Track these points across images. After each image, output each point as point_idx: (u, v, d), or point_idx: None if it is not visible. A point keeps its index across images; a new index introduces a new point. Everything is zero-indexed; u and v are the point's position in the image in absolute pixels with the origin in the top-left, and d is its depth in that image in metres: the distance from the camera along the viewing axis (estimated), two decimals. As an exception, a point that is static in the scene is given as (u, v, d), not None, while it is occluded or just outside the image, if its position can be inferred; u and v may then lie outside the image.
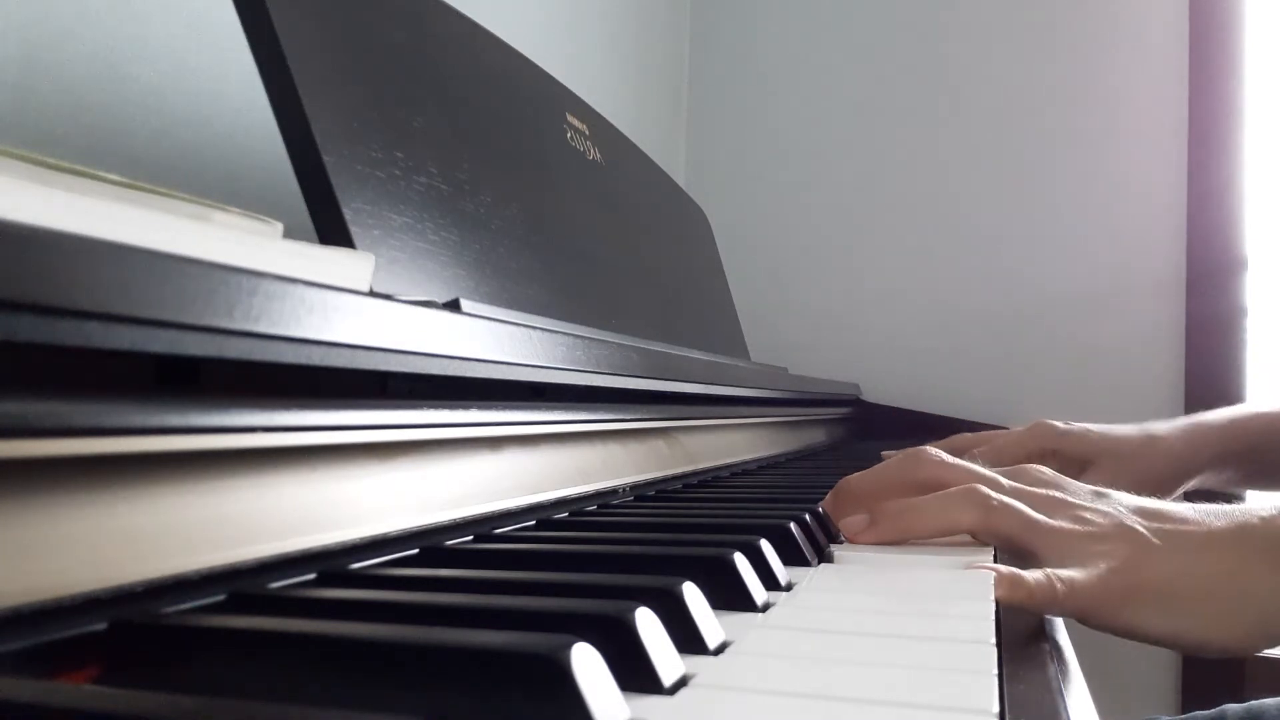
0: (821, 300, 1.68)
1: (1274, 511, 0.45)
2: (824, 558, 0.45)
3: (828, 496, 0.54)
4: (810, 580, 0.39)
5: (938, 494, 0.48)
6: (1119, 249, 1.51)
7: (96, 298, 0.21)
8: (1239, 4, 1.46)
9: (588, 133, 0.83)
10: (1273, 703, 0.70)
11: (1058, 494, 0.48)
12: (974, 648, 0.28)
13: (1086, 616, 0.43)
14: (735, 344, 1.19)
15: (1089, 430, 0.77)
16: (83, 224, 0.21)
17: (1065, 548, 0.45)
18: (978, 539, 0.48)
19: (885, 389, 1.55)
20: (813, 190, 1.71)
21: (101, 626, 0.23)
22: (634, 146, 0.98)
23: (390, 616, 0.26)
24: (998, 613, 0.34)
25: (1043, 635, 0.37)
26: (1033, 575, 0.42)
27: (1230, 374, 1.43)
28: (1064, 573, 0.42)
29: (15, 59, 0.56)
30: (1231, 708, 0.71)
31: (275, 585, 0.30)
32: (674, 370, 0.63)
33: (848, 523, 0.50)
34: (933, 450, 0.53)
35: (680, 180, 1.64)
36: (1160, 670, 1.44)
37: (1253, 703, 0.70)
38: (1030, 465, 0.53)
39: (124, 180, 0.28)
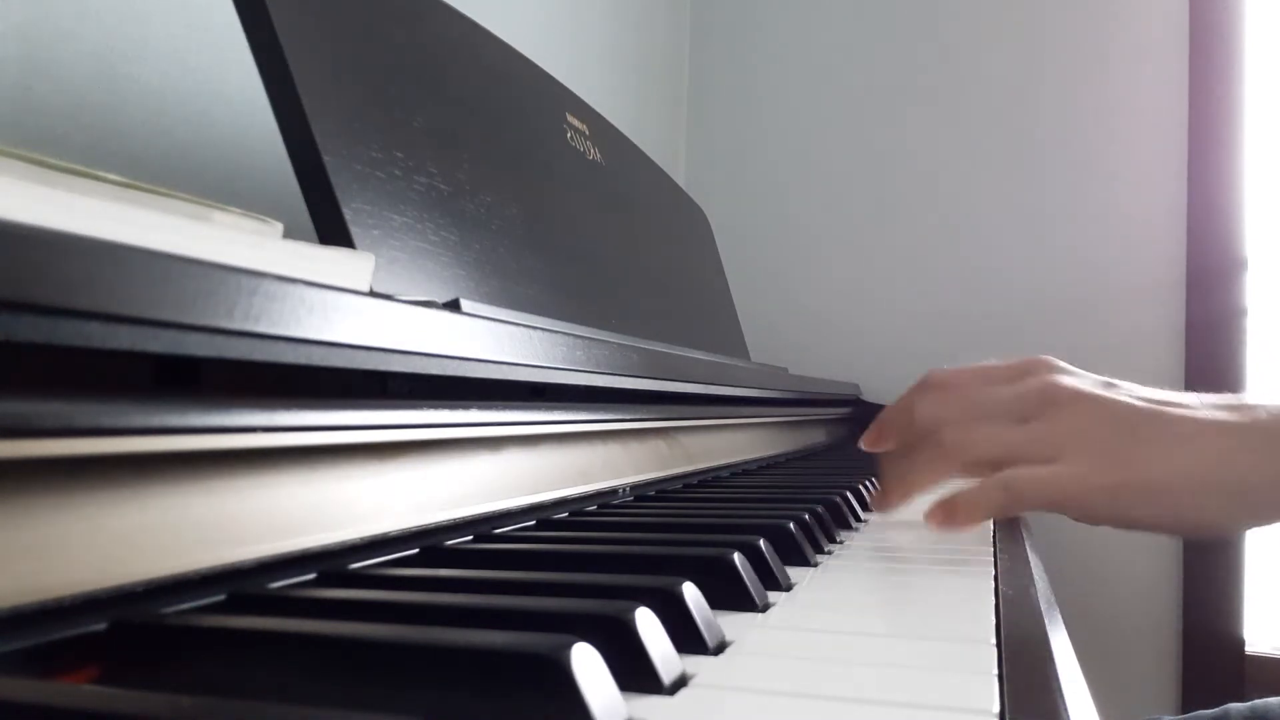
0: (821, 300, 1.68)
1: (1270, 409, 0.46)
2: (824, 557, 0.45)
3: (871, 429, 0.61)
4: (810, 580, 0.39)
5: (921, 455, 0.52)
6: (1119, 249, 1.51)
7: (96, 298, 0.21)
8: (1239, 4, 1.46)
9: (588, 133, 0.83)
10: (1277, 701, 0.70)
11: (1061, 380, 0.50)
12: (974, 648, 0.29)
13: (1068, 511, 0.45)
14: (735, 344, 1.18)
15: None
16: (83, 224, 0.21)
17: (1045, 450, 0.46)
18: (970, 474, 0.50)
19: (885, 389, 1.55)
20: (813, 190, 1.71)
21: (101, 626, 0.23)
22: (634, 146, 0.98)
23: (390, 616, 0.26)
24: (998, 612, 0.34)
25: (1043, 635, 0.37)
26: (973, 490, 0.45)
27: (1230, 374, 1.43)
28: (1022, 472, 0.45)
29: (15, 59, 0.56)
30: (1235, 707, 0.71)
31: (275, 585, 0.30)
32: (674, 370, 0.63)
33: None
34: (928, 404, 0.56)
35: (680, 180, 1.64)
36: (1160, 670, 1.44)
37: (1256, 701, 0.71)
38: (1041, 360, 0.54)
39: (124, 180, 0.28)
